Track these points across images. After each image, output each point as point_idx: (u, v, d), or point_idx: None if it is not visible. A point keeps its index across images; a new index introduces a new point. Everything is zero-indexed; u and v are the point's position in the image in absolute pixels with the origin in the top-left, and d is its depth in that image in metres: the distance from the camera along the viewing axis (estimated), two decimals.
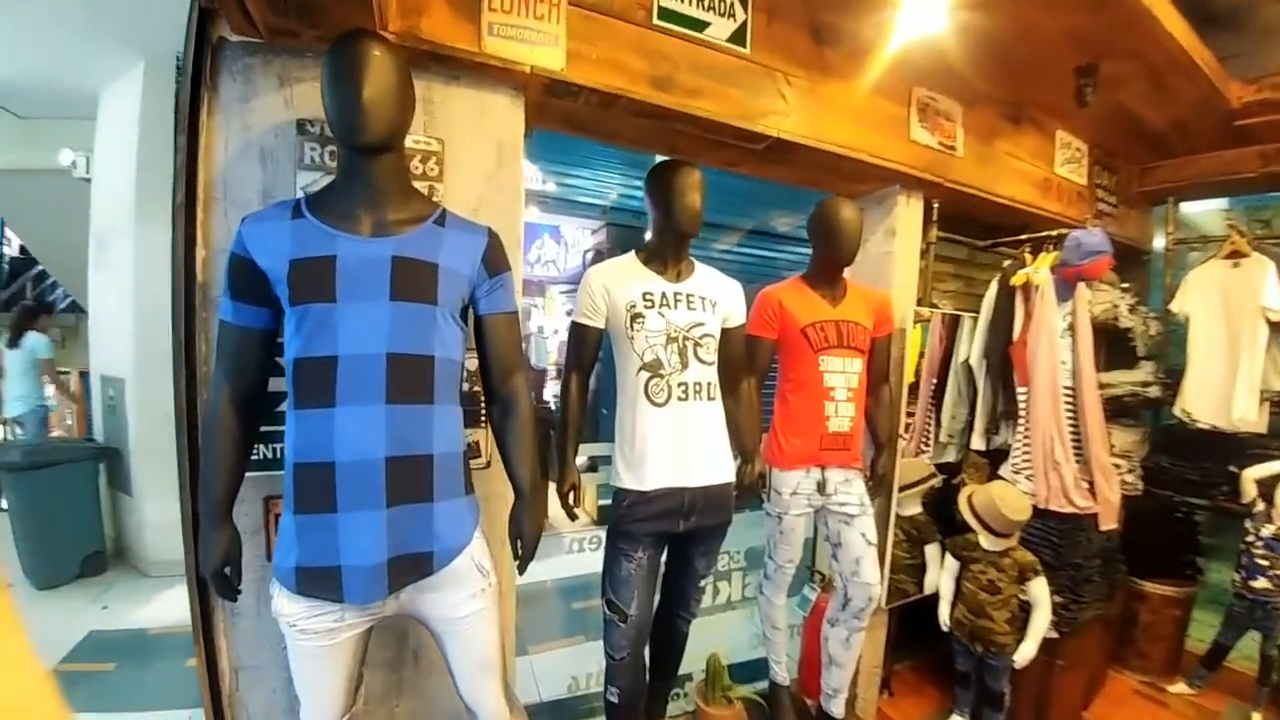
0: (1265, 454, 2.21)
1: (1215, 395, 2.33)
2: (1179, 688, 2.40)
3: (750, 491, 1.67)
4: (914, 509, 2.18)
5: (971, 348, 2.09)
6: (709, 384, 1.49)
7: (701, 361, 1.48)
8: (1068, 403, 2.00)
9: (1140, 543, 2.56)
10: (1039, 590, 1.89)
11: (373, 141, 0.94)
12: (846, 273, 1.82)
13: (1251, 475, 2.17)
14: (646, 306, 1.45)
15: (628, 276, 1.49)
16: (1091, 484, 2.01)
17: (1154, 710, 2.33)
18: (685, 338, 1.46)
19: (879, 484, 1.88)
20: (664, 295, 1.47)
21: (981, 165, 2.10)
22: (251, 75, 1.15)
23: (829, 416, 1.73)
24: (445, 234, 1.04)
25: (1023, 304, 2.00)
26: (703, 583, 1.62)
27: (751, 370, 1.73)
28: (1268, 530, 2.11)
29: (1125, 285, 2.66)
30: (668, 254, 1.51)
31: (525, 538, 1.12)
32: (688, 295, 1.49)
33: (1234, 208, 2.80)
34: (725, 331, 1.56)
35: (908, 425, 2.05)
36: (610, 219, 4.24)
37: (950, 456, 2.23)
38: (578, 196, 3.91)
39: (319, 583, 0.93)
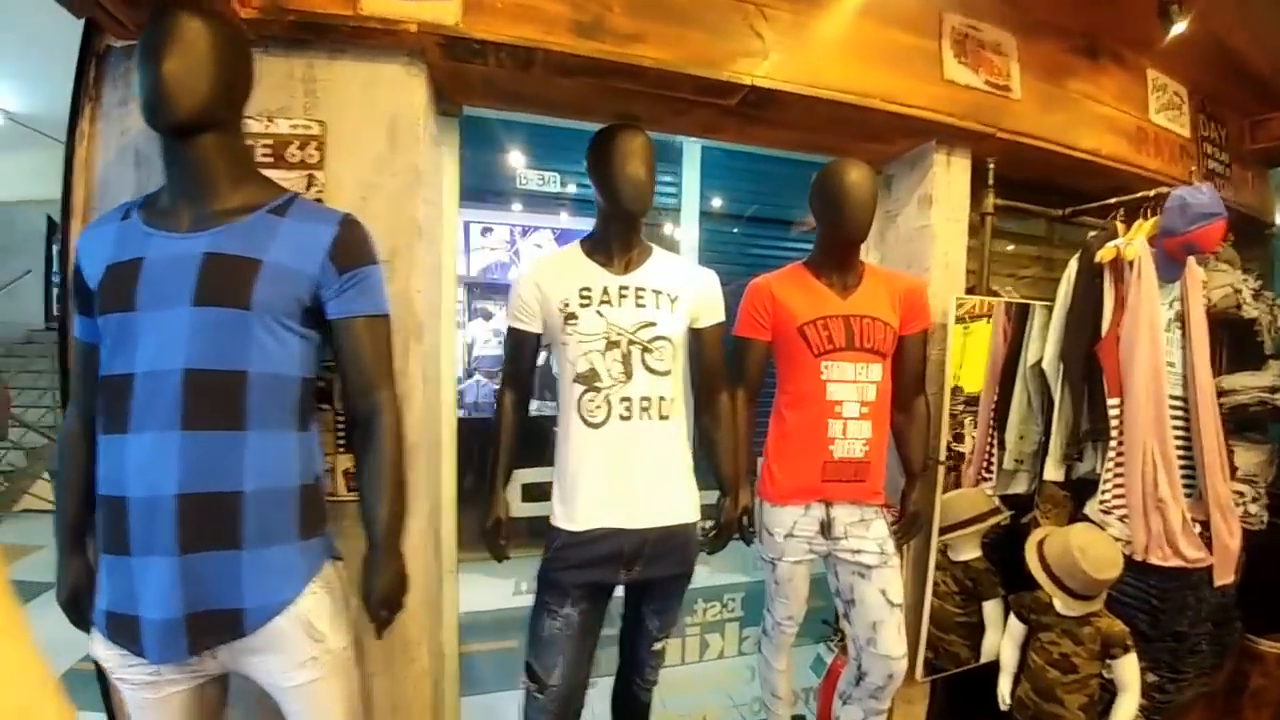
0: None
1: None
2: None
3: (728, 533, 1.36)
4: (970, 553, 1.71)
5: (1045, 347, 1.60)
6: (663, 399, 1.17)
7: (652, 371, 1.15)
8: (1177, 418, 1.51)
9: (1261, 589, 1.99)
10: (1127, 671, 1.41)
11: (177, 121, 0.81)
12: (872, 257, 1.41)
13: None
14: (582, 304, 1.15)
15: (565, 270, 1.20)
16: (1206, 526, 1.51)
17: None
18: (631, 341, 1.15)
19: (909, 526, 1.45)
20: (605, 290, 1.16)
21: (1048, 110, 1.62)
22: (130, 78, 1.09)
23: (834, 439, 1.33)
24: (283, 224, 0.88)
25: (1113, 287, 1.51)
26: (657, 645, 1.28)
27: (738, 381, 1.41)
28: None
29: (1248, 265, 2.10)
30: (612, 241, 1.23)
31: (373, 598, 0.91)
32: (636, 289, 1.18)
33: None
34: (697, 333, 1.26)
35: (953, 449, 1.60)
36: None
37: (1020, 488, 1.75)
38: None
39: (123, 631, 0.82)
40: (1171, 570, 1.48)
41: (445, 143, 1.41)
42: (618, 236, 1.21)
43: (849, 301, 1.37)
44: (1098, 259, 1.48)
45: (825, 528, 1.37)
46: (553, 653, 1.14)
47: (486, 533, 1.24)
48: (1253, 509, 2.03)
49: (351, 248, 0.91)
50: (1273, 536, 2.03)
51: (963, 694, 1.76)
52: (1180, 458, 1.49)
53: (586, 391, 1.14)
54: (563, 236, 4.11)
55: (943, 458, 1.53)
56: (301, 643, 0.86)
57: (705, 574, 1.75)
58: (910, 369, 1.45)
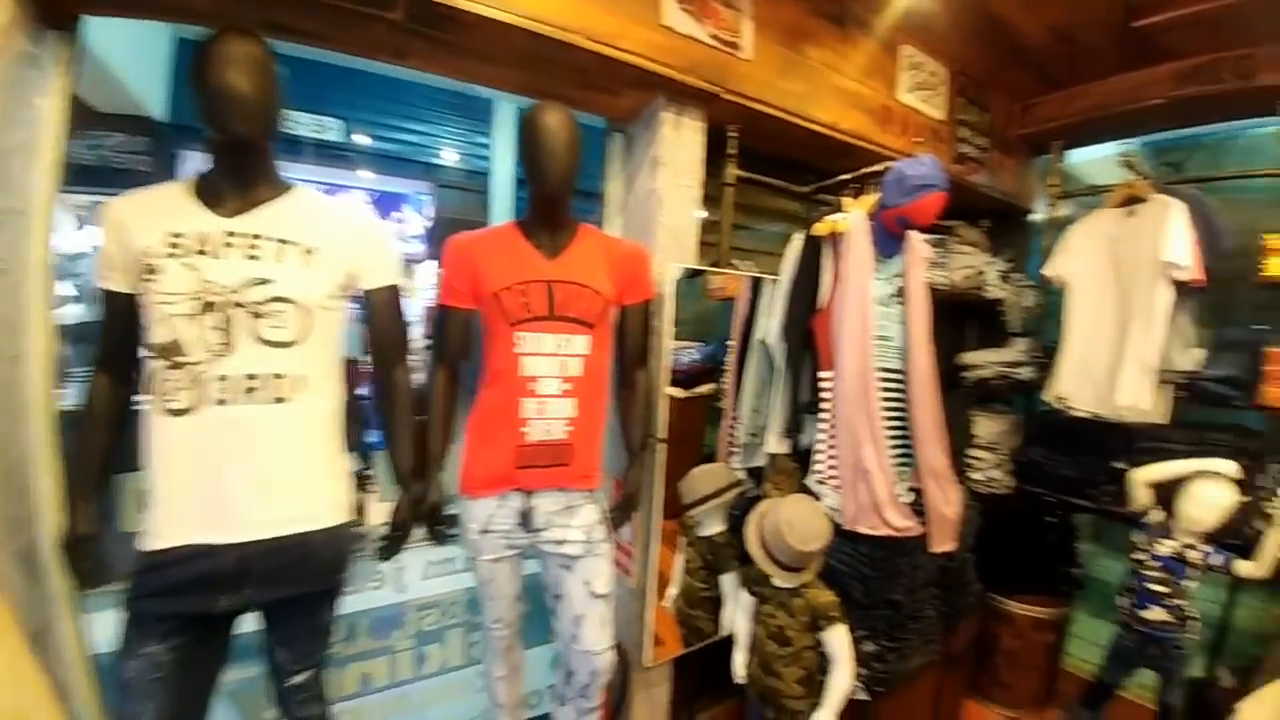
0: (1164, 450, 1.76)
1: (1097, 376, 1.87)
2: None
3: (399, 535, 1.22)
4: (716, 527, 1.68)
5: (769, 322, 1.58)
6: (281, 378, 0.96)
7: (266, 343, 0.95)
8: (890, 391, 1.53)
9: (1005, 552, 2.15)
10: (836, 642, 1.42)
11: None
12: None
13: (1144, 478, 1.70)
14: (169, 254, 0.92)
15: (154, 210, 0.96)
16: (919, 496, 1.55)
17: None
18: (236, 304, 0.93)
19: (623, 509, 1.37)
20: (203, 237, 0.94)
21: (785, 76, 1.58)
22: None
23: (528, 419, 1.21)
24: None
25: (831, 262, 1.50)
26: (296, 679, 1.07)
27: (437, 356, 1.29)
28: (1165, 548, 1.64)
29: (1002, 249, 2.23)
30: (223, 179, 0.99)
31: None
32: (249, 236, 0.96)
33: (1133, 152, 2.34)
34: (366, 297, 1.13)
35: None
36: (441, 180, 3.54)
37: (760, 460, 1.74)
38: (398, 151, 3.29)
39: None
40: (881, 539, 1.51)
41: (46, 64, 1.11)
42: (228, 173, 0.98)
43: (555, 265, 1.25)
44: (813, 232, 1.46)
45: (525, 519, 1.25)
46: (137, 701, 0.90)
47: (69, 549, 1.01)
48: (996, 474, 2.17)
49: None
50: (1017, 500, 2.19)
51: (713, 669, 1.75)
52: (890, 429, 1.51)
53: (167, 368, 0.92)
54: (382, 200, 3.74)
55: (662, 435, 1.46)
56: None
57: (418, 580, 1.60)
58: (632, 341, 1.37)
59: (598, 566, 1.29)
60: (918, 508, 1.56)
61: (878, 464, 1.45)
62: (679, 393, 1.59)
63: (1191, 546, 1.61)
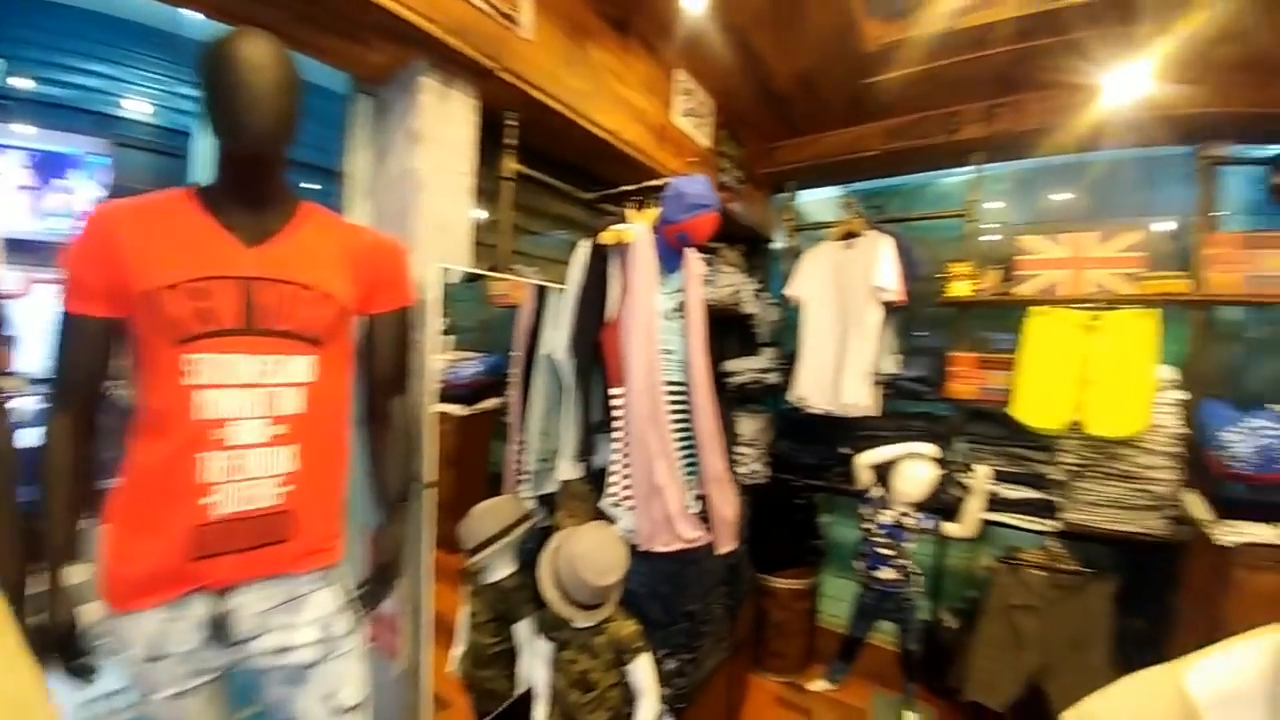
0: (877, 436, 2.15)
1: (826, 380, 2.22)
2: (819, 684, 2.30)
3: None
4: (505, 570, 1.46)
5: (556, 335, 1.45)
6: None
7: None
8: (676, 404, 1.53)
9: (767, 535, 2.41)
10: (641, 675, 1.34)
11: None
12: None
13: (865, 461, 2.07)
14: None
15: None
16: (704, 503, 1.59)
17: None
18: None
19: (378, 584, 1.06)
20: None
21: (568, 70, 1.47)
22: None
23: (212, 484, 0.83)
24: None
25: (619, 273, 1.44)
26: None
27: (59, 394, 0.87)
28: (887, 517, 2.01)
29: (751, 271, 2.52)
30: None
31: None
32: None
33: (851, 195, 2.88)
34: None
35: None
36: (125, 138, 2.63)
37: (554, 487, 1.58)
38: (68, 98, 2.32)
39: None
40: (675, 554, 1.49)
41: None
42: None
43: (258, 256, 0.88)
44: (598, 240, 1.38)
45: (220, 629, 0.86)
46: None
47: None
48: (756, 467, 2.41)
49: None
50: (773, 488, 2.49)
51: None
52: (680, 443, 1.51)
53: None
54: (44, 163, 2.56)
55: (431, 480, 1.20)
56: None
57: None
58: (384, 362, 1.06)
59: (343, 671, 0.95)
60: (704, 515, 1.59)
61: (669, 478, 1.43)
62: (460, 410, 1.34)
63: (907, 514, 1.99)
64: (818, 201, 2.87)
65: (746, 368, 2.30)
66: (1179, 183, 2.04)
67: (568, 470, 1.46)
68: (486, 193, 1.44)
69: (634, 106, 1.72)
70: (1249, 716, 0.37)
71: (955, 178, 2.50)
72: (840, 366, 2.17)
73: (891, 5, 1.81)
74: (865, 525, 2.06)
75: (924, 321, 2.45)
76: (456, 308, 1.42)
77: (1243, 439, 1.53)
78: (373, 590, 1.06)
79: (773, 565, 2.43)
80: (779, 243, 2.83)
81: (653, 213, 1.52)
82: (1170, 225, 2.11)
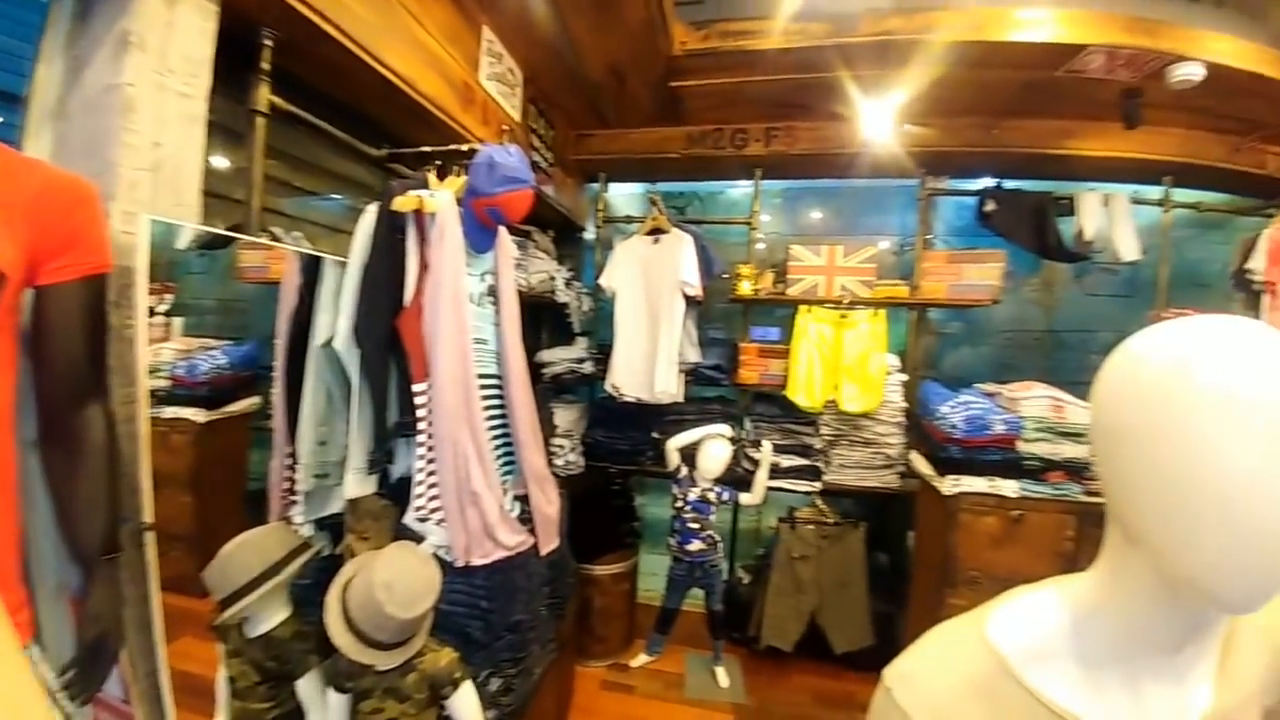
0: (683, 420, 2.30)
1: (640, 369, 2.31)
2: (640, 660, 2.37)
3: None
4: (278, 615, 1.14)
5: (338, 320, 1.17)
6: None
7: None
8: (492, 398, 1.38)
9: (586, 524, 2.39)
10: (463, 707, 1.17)
11: None
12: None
13: (674, 444, 2.21)
14: None
15: None
16: (524, 504, 1.48)
17: (622, 701, 2.18)
18: None
19: (90, 666, 0.74)
20: None
21: None
22: None
23: None
24: None
25: (417, 248, 1.23)
26: None
27: None
28: (694, 494, 2.17)
29: (563, 259, 2.45)
30: None
31: None
32: None
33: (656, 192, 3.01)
34: None
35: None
36: None
37: (336, 507, 1.29)
38: None
39: None
40: (496, 565, 1.35)
41: None
42: None
43: None
44: (395, 207, 1.15)
45: None
46: None
47: None
48: (572, 457, 2.36)
49: None
50: (587, 478, 2.47)
51: None
52: (496, 442, 1.38)
53: None
54: None
55: (148, 520, 0.86)
56: None
57: None
58: (66, 354, 0.72)
59: None
60: (524, 516, 1.48)
61: (486, 483, 1.28)
62: (199, 415, 1.01)
63: (710, 489, 2.18)
64: (626, 196, 2.94)
65: (561, 358, 2.23)
66: (906, 209, 2.62)
67: (356, 486, 1.20)
68: (234, 134, 1.09)
69: (433, 54, 1.49)
70: (1060, 669, 0.41)
71: (741, 190, 2.81)
72: (653, 356, 2.27)
73: (697, 10, 1.90)
74: (676, 504, 2.20)
75: (717, 316, 2.71)
76: (188, 281, 1.06)
77: (955, 411, 1.98)
78: (83, 675, 0.72)
79: (592, 553, 2.43)
80: (590, 233, 2.82)
81: (458, 181, 1.34)
82: (896, 243, 2.68)
